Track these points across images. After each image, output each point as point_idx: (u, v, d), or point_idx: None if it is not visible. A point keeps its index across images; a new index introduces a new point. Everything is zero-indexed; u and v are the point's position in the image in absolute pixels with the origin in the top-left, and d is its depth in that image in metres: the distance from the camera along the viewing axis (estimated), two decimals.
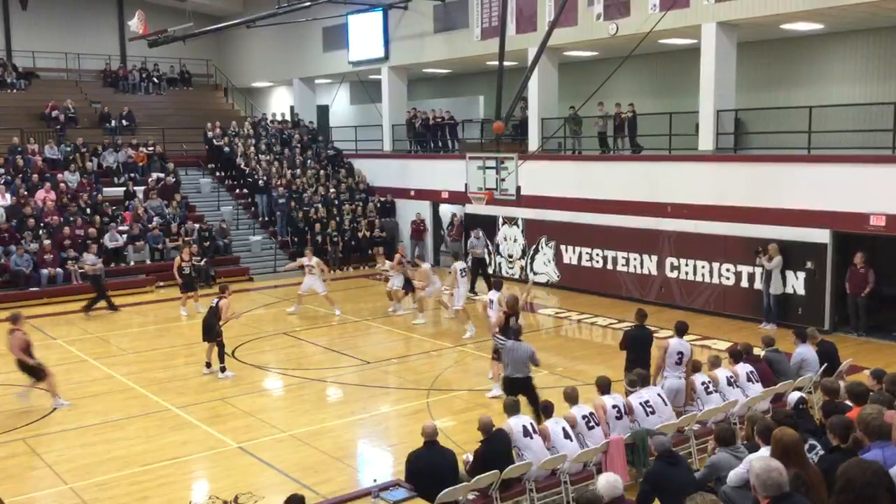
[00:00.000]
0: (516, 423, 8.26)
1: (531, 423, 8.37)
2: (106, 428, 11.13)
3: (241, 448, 10.27)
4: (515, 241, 22.22)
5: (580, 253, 20.37)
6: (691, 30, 18.05)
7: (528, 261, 21.83)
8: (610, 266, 19.63)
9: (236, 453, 10.15)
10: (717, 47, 17.51)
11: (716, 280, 17.43)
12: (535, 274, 21.43)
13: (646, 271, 18.82)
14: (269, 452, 10.10)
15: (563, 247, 20.83)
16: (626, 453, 8.57)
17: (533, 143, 21.79)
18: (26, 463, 9.92)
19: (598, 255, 19.93)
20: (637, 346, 11.10)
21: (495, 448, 7.94)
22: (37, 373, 12.00)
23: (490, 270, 22.77)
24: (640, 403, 9.14)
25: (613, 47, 20.14)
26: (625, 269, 19.27)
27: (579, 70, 23.43)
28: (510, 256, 22.40)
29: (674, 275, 18.23)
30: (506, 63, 21.15)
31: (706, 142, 17.92)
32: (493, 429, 8.04)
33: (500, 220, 22.54)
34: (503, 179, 21.85)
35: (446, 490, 7.26)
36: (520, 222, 22.00)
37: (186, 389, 12.79)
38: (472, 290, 19.43)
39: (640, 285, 18.95)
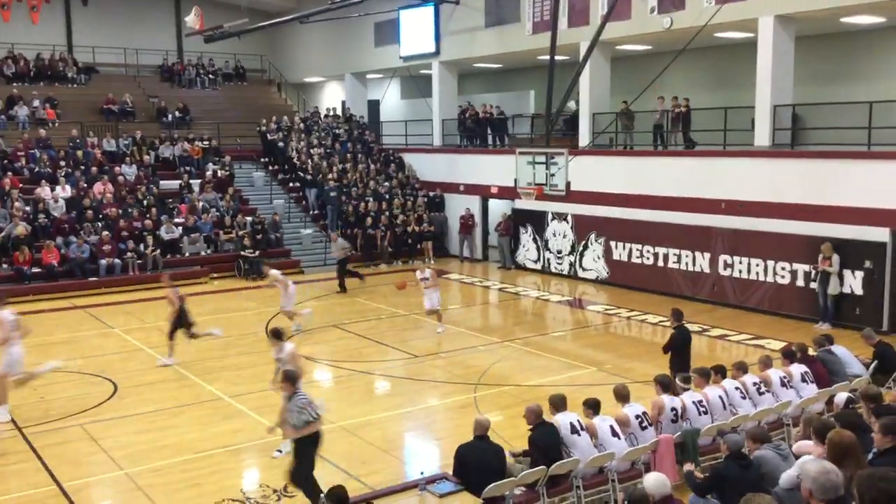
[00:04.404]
0: (563, 420, 8.22)
1: (578, 420, 8.32)
2: (160, 416, 11.39)
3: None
4: (564, 236, 22.07)
5: (630, 249, 20.15)
6: (748, 23, 17.69)
7: (578, 256, 21.68)
8: (661, 263, 19.37)
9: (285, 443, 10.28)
10: (774, 41, 17.13)
11: (770, 278, 17.08)
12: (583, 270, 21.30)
13: (698, 269, 18.53)
14: None
15: (613, 243, 20.63)
16: (676, 452, 8.46)
17: (584, 139, 21.62)
18: (83, 448, 10.21)
19: (648, 251, 19.69)
20: (680, 346, 11.03)
21: (547, 434, 7.95)
22: None
23: (538, 266, 22.73)
24: (694, 402, 9.02)
25: (667, 41, 19.86)
26: (676, 266, 19.01)
27: (632, 64, 23.14)
28: (559, 252, 22.27)
29: (727, 272, 17.92)
30: (557, 57, 21.12)
31: (762, 137, 17.56)
32: (542, 418, 8.08)
33: (550, 216, 22.41)
34: (553, 175, 21.84)
35: (493, 485, 7.27)
36: (569, 218, 21.84)
37: (239, 379, 13.01)
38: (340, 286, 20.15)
39: (691, 283, 18.66)
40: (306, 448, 8.09)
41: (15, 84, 27.56)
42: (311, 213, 25.86)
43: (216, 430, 10.76)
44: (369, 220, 24.39)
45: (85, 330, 16.76)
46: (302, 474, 8.07)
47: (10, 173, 22.66)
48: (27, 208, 21.45)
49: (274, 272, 16.65)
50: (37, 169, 23.27)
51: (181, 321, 13.84)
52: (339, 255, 20.65)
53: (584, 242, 21.50)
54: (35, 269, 20.02)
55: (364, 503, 7.28)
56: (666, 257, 19.26)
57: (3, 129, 24.89)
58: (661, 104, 20.29)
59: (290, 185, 26.80)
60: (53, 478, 9.23)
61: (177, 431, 10.76)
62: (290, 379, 8.26)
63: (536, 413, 8.08)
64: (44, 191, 22.27)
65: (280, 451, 9.59)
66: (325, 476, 8.80)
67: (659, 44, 21.01)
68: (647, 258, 19.72)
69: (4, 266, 19.99)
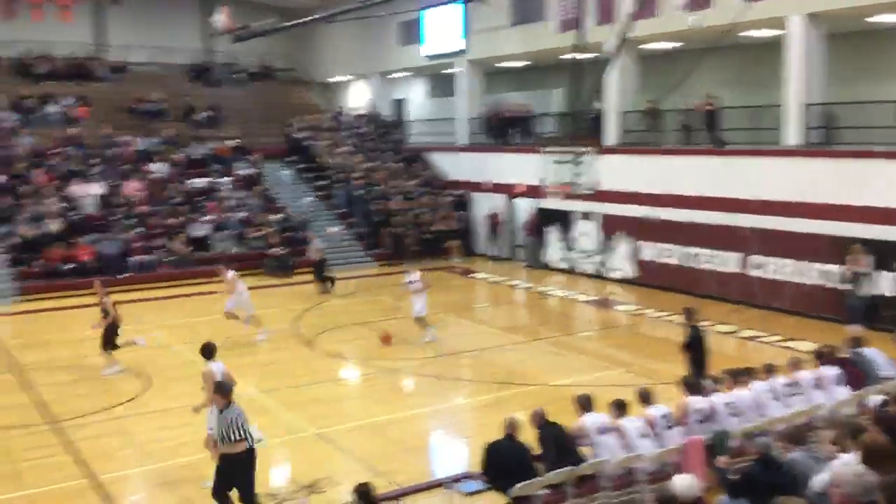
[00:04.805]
0: (591, 420, 8.22)
1: (606, 421, 8.31)
2: (189, 411, 11.51)
3: (319, 434, 10.51)
4: (591, 236, 21.99)
5: (659, 249, 20.04)
6: (776, 21, 17.51)
7: (605, 256, 21.59)
8: (690, 263, 19.25)
9: (314, 439, 10.39)
10: (803, 39, 16.95)
11: (801, 279, 16.89)
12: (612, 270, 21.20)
13: (727, 269, 18.38)
14: (346, 440, 10.31)
15: (640, 242, 20.53)
16: (705, 454, 8.41)
17: (610, 137, 21.51)
18: (116, 443, 10.38)
19: (677, 251, 19.57)
20: (696, 345, 10.98)
21: (554, 431, 8.03)
22: None
23: (565, 266, 22.66)
24: (724, 404, 8.97)
25: (694, 38, 19.70)
26: (705, 266, 18.87)
27: (659, 62, 22.99)
28: (586, 252, 22.19)
29: (757, 273, 17.75)
30: (583, 55, 21.03)
31: (791, 136, 17.38)
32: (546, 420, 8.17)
33: (577, 215, 22.34)
34: (580, 174, 21.73)
35: (521, 484, 7.29)
36: (596, 217, 21.76)
37: (267, 375, 13.13)
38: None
39: (720, 283, 18.51)
40: (231, 467, 7.65)
41: (47, 82, 27.96)
42: (338, 211, 26.00)
43: None
44: (395, 219, 24.46)
45: None
46: (217, 490, 7.70)
47: (43, 170, 23.03)
48: (61, 205, 21.78)
49: (232, 273, 15.63)
50: (69, 167, 23.62)
51: (113, 330, 13.47)
52: (316, 257, 20.51)
53: (611, 242, 21.41)
54: (68, 266, 20.33)
55: (391, 500, 7.34)
56: (695, 257, 19.13)
57: (37, 127, 25.27)
58: (694, 105, 20.13)
59: (317, 183, 26.97)
60: (88, 471, 9.39)
61: (205, 427, 10.86)
62: (221, 391, 7.79)
63: (540, 415, 8.17)
64: (76, 188, 22.61)
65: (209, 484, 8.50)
66: (352, 474, 8.88)
67: (686, 41, 20.85)
68: (676, 258, 19.60)
69: (39, 262, 20.31)
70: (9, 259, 20.25)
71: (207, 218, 23.20)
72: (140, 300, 19.21)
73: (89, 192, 22.63)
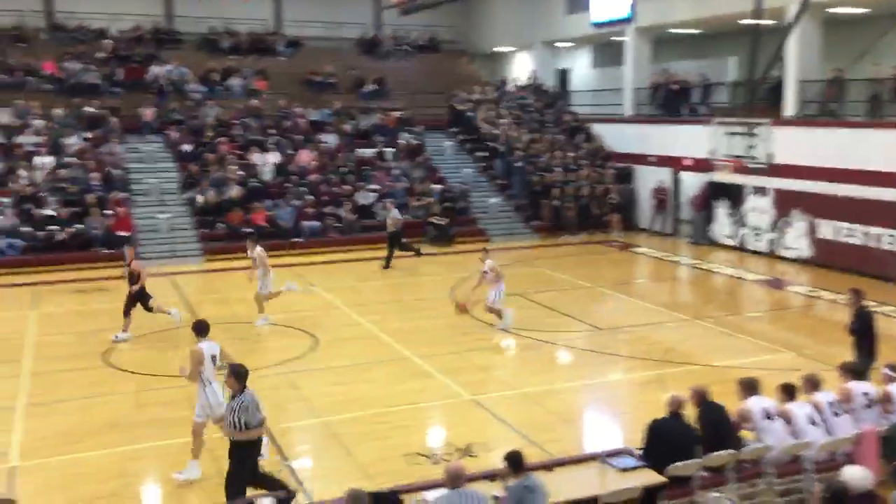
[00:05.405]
0: (755, 404, 7.88)
1: (771, 405, 7.93)
2: (354, 370, 12.10)
3: (475, 400, 10.71)
4: (764, 212, 20.86)
5: (838, 228, 18.71)
6: None
7: (778, 234, 20.44)
8: (872, 243, 17.85)
9: (469, 404, 10.60)
10: None
11: None
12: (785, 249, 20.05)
13: None
14: (500, 407, 10.44)
15: (818, 220, 19.25)
16: (880, 446, 7.86)
17: (789, 108, 20.22)
18: (287, 395, 11.05)
19: (859, 230, 18.19)
20: (865, 329, 10.18)
21: (714, 411, 7.74)
22: None
23: (734, 243, 21.69)
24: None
25: (886, 3, 18.06)
26: (891, 246, 17.44)
27: (845, 28, 21.28)
28: (757, 229, 21.09)
29: None
30: (762, 21, 19.83)
31: None
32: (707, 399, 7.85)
33: (749, 190, 21.25)
34: (753, 146, 20.62)
35: (680, 464, 7.12)
36: (770, 192, 20.60)
37: (426, 340, 13.49)
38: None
39: None
40: (242, 452, 7.37)
41: (230, 57, 29.79)
42: (498, 182, 26.12)
43: (404, 388, 11.27)
44: (555, 191, 24.27)
45: None
46: (232, 480, 7.37)
47: (225, 139, 24.66)
48: (241, 172, 23.26)
49: (259, 249, 14.66)
50: (248, 136, 25.13)
51: (141, 296, 13.70)
52: (392, 228, 19.97)
53: (785, 219, 20.23)
54: (246, 230, 21.72)
55: (544, 469, 7.38)
56: (879, 237, 17.71)
57: (221, 98, 27.03)
58: (877, 72, 18.54)
59: (477, 154, 27.19)
60: None
61: (368, 386, 11.38)
62: (235, 375, 7.40)
63: (702, 394, 7.85)
64: (255, 157, 24.05)
65: (181, 474, 8.42)
66: (504, 442, 8.98)
67: (876, 6, 19.14)
68: (857, 237, 18.23)
69: (221, 225, 21.85)
70: (195, 221, 21.93)
71: (373, 187, 24.00)
72: (310, 263, 20.24)
73: (266, 160, 24.00)
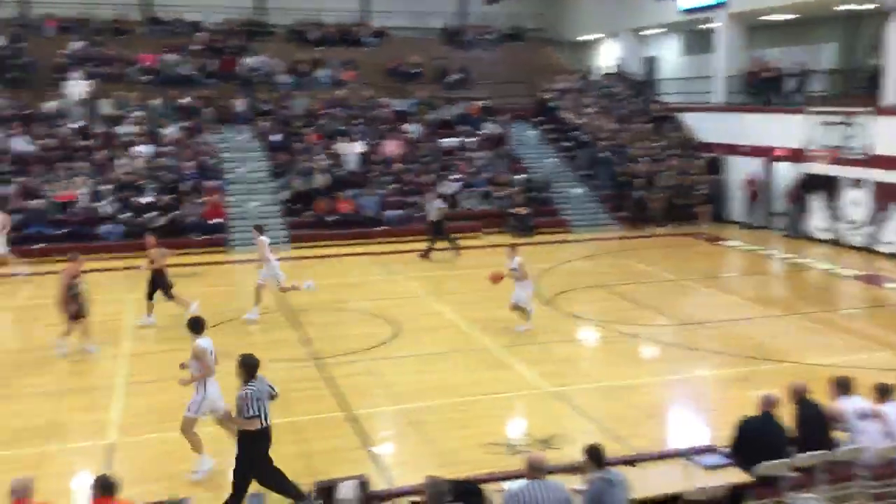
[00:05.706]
0: (851, 404, 7.58)
1: (866, 406, 7.63)
2: (434, 358, 12.19)
3: (556, 392, 10.65)
4: (861, 205, 19.98)
5: None
6: None
7: (876, 228, 19.55)
8: None
9: (549, 396, 10.55)
10: None
11: None
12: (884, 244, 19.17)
13: None
14: (581, 400, 10.36)
15: None
16: None
17: (889, 97, 19.27)
18: (368, 382, 11.23)
19: None
20: None
21: (811, 408, 7.50)
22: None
23: (829, 237, 20.88)
24: None
25: None
26: None
27: None
28: (854, 222, 20.22)
29: None
30: (862, 6, 18.95)
31: None
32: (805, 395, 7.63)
33: (845, 182, 20.37)
34: (851, 137, 19.78)
35: (768, 463, 6.93)
36: (867, 184, 19.71)
37: (505, 331, 13.47)
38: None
39: None
40: (248, 444, 7.34)
41: (319, 48, 30.30)
42: (581, 172, 25.82)
43: (482, 377, 11.29)
44: (640, 181, 23.82)
45: (373, 275, 18.29)
46: (239, 470, 7.35)
47: (312, 129, 25.13)
48: (328, 161, 23.68)
49: (264, 238, 14.41)
50: (335, 126, 25.54)
51: (161, 283, 13.91)
52: (434, 217, 19.75)
53: (884, 212, 19.32)
54: (332, 218, 22.15)
55: (627, 465, 7.29)
56: None
57: (309, 89, 27.54)
58: None
59: (562, 144, 26.91)
60: (344, 405, 10.28)
61: (447, 374, 11.45)
62: (244, 366, 7.39)
63: (801, 391, 7.61)
64: (341, 146, 24.45)
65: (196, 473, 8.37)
66: (585, 435, 8.88)
67: None
68: None
69: (308, 213, 22.32)
70: (283, 209, 22.47)
71: (456, 176, 24.07)
72: (393, 252, 20.47)
73: (352, 150, 24.36)
